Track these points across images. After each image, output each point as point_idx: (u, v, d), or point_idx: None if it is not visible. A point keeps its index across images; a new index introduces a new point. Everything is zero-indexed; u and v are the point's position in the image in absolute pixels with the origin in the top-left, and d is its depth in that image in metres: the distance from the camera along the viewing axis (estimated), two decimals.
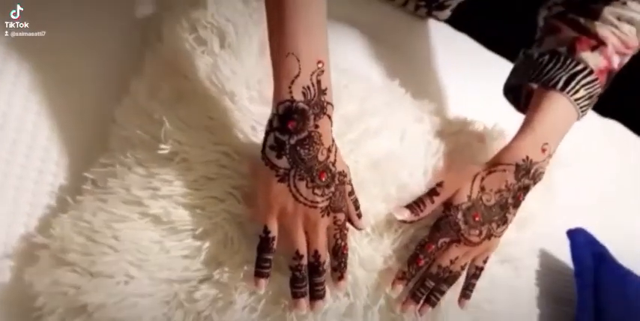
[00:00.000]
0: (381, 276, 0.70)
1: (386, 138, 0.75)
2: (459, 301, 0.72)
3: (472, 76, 0.96)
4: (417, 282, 0.70)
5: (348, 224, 0.65)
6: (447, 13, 1.04)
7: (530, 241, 0.83)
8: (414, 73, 0.91)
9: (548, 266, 0.94)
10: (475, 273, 0.72)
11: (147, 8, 0.80)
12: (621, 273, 0.94)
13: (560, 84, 0.72)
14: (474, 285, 0.73)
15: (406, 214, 0.69)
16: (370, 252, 0.69)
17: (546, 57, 0.75)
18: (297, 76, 0.57)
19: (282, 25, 0.57)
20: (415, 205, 0.70)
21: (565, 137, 0.76)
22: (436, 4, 0.95)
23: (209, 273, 0.63)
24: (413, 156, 0.76)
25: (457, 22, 1.06)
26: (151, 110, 0.65)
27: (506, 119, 0.83)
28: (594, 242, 0.96)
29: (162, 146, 0.63)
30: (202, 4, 0.70)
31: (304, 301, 0.63)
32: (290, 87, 0.57)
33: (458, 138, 0.81)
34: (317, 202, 0.59)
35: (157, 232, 0.63)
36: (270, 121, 0.58)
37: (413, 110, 0.82)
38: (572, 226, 0.95)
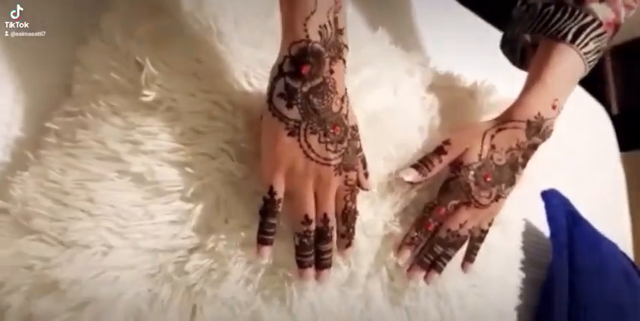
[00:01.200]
0: (383, 242, 0.65)
1: (381, 91, 0.68)
2: (463, 265, 0.67)
3: (450, 30, 0.90)
4: (424, 247, 0.65)
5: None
6: None
7: (515, 204, 0.80)
8: (394, 25, 0.83)
9: (529, 230, 0.92)
10: (480, 236, 0.68)
11: None
12: (592, 232, 0.94)
13: (570, 36, 0.67)
14: (478, 248, 0.68)
15: (413, 175, 0.63)
16: (371, 216, 0.64)
17: (552, 7, 0.70)
18: (314, 12, 0.49)
19: None
20: (422, 165, 0.64)
21: None
22: None
23: (201, 241, 0.55)
24: (407, 111, 0.70)
25: None
26: (127, 50, 0.55)
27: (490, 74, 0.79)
28: (567, 203, 0.95)
29: (146, 92, 0.53)
30: None
31: (311, 271, 0.57)
32: (305, 25, 0.48)
33: (450, 93, 0.76)
34: (330, 159, 0.52)
35: (140, 193, 0.54)
36: (280, 66, 0.50)
37: (403, 62, 0.75)
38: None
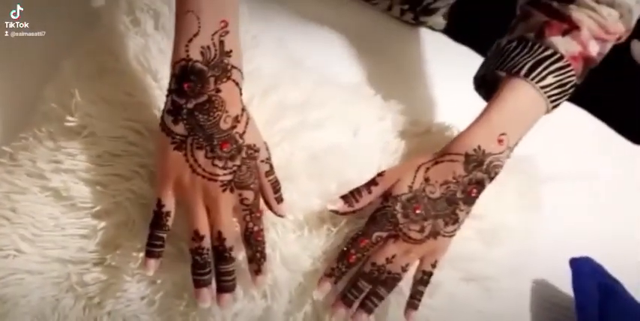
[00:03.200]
0: (307, 278, 0.63)
1: (331, 132, 0.69)
2: (405, 312, 0.62)
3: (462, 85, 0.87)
4: (348, 282, 0.62)
5: (268, 213, 0.60)
6: (440, 20, 0.96)
7: (506, 258, 0.72)
8: (395, 79, 0.84)
9: (540, 294, 0.82)
10: (422, 278, 0.63)
11: None
12: (632, 307, 0.80)
13: (525, 70, 0.63)
14: (421, 293, 0.63)
15: (339, 205, 0.62)
16: (296, 250, 0.63)
17: (513, 44, 0.67)
18: (196, 34, 0.52)
19: None
20: (350, 195, 0.63)
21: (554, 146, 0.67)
22: (421, 8, 0.88)
23: (104, 256, 0.59)
24: (365, 153, 0.69)
25: (460, 33, 0.98)
26: (69, 85, 0.63)
27: None
28: (601, 272, 0.83)
29: (69, 118, 0.60)
30: None
31: (207, 292, 0.56)
32: (187, 46, 0.52)
33: (422, 139, 0.73)
34: (217, 175, 0.54)
35: (57, 208, 0.60)
36: (169, 84, 0.54)
37: (374, 109, 0.75)
38: (567, 247, 0.83)
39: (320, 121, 0.68)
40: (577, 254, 0.81)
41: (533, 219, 0.75)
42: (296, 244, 0.63)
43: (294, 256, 0.62)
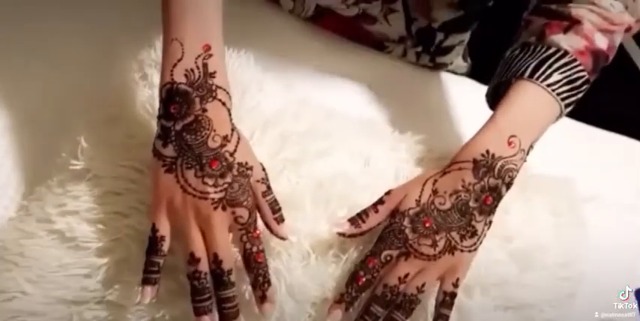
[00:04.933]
0: (317, 309, 0.59)
1: (338, 160, 0.67)
2: None
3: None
4: (361, 308, 0.58)
5: (270, 241, 0.58)
6: (461, 62, 0.95)
7: (546, 284, 0.65)
8: (412, 120, 0.81)
9: None
10: (445, 300, 0.58)
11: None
12: None
13: (528, 71, 0.61)
14: (445, 317, 0.57)
15: (345, 227, 0.59)
16: (302, 279, 0.59)
17: (516, 51, 0.65)
18: (180, 59, 0.54)
19: (168, 10, 0.55)
20: (357, 217, 0.60)
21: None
22: (434, 48, 0.88)
23: (105, 294, 0.58)
24: (377, 179, 0.66)
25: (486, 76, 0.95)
26: (77, 134, 0.66)
27: None
28: None
29: (74, 162, 0.62)
30: (150, 44, 0.73)
31: (208, 320, 0.54)
32: (172, 71, 0.54)
33: (439, 164, 0.70)
34: (207, 193, 0.53)
35: (62, 250, 0.60)
36: (158, 110, 0.55)
37: (387, 140, 0.73)
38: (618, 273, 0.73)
39: (325, 150, 0.67)
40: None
41: (574, 239, 0.68)
42: (302, 273, 0.60)
43: (300, 285, 0.59)
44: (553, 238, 0.67)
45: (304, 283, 0.59)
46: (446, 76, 0.95)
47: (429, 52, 0.89)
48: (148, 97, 0.68)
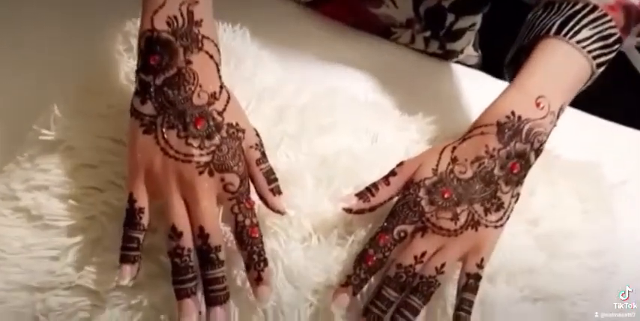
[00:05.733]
0: (320, 297, 0.51)
1: (342, 137, 0.60)
2: None
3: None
4: (372, 292, 0.50)
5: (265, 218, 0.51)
6: (471, 52, 0.89)
7: (578, 274, 0.57)
8: (421, 107, 0.75)
9: None
10: (468, 283, 0.50)
11: None
12: None
13: (554, 29, 0.55)
14: (469, 303, 0.49)
15: (352, 202, 0.52)
16: (303, 263, 0.52)
17: (539, 11, 0.59)
18: (162, 5, 0.47)
19: None
20: (365, 191, 0.53)
21: None
22: (444, 32, 0.81)
23: (75, 278, 0.50)
24: (388, 157, 0.58)
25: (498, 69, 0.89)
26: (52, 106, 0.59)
27: None
28: None
29: (45, 131, 0.55)
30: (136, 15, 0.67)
31: (191, 304, 0.45)
32: (152, 17, 0.47)
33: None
34: (192, 155, 0.46)
35: (28, 229, 0.52)
36: (136, 63, 0.49)
37: (394, 120, 0.67)
38: None
39: (328, 125, 0.60)
40: None
41: (604, 227, 0.61)
42: (303, 256, 0.52)
43: (300, 269, 0.51)
44: (581, 223, 0.60)
45: (305, 267, 0.51)
46: (456, 67, 0.89)
47: (438, 38, 0.83)
48: (132, 68, 0.61)
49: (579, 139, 0.75)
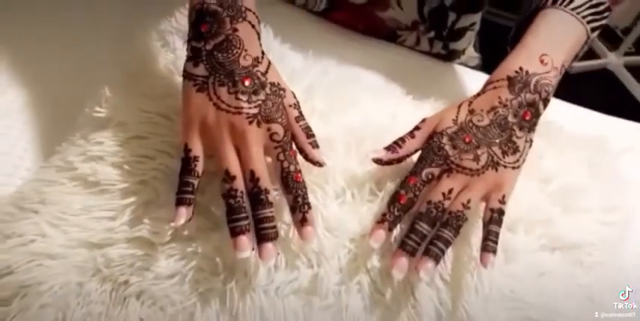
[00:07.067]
0: (357, 244, 0.56)
1: (367, 114, 0.66)
2: (481, 257, 0.53)
3: None
4: (407, 228, 0.55)
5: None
6: (472, 53, 0.96)
7: (593, 227, 0.62)
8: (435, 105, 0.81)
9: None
10: (492, 217, 0.55)
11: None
12: None
13: (550, 0, 0.62)
14: (495, 234, 0.54)
15: (382, 153, 0.57)
16: (339, 215, 0.56)
17: None
18: None
19: None
20: (393, 143, 0.58)
21: None
22: (447, 32, 0.89)
23: (132, 232, 0.54)
24: (408, 128, 0.64)
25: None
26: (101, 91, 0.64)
27: None
28: None
29: (98, 109, 0.61)
30: (170, 14, 0.73)
31: (245, 240, 0.49)
32: None
33: None
34: (241, 108, 0.52)
35: (85, 195, 0.57)
36: (188, 34, 0.55)
37: (408, 105, 0.73)
38: None
39: (353, 102, 0.66)
40: None
41: (613, 186, 0.66)
42: (339, 210, 0.57)
43: (338, 220, 0.56)
44: (590, 182, 0.65)
45: (341, 218, 0.56)
46: (460, 69, 0.95)
47: (441, 38, 0.90)
48: (170, 59, 0.67)
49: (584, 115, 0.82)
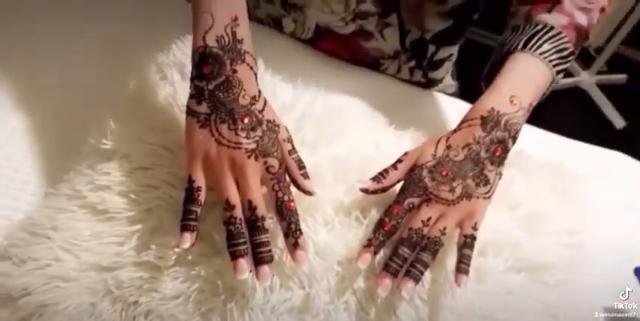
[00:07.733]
0: (344, 267, 0.62)
1: (352, 144, 0.72)
2: (455, 278, 0.59)
3: None
4: (390, 251, 0.61)
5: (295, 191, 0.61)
6: (450, 81, 1.03)
7: (556, 250, 0.69)
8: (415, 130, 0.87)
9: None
10: (466, 242, 0.62)
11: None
12: None
13: (521, 44, 0.69)
14: (468, 257, 0.61)
15: (368, 183, 0.64)
16: (328, 240, 0.62)
17: (507, 33, 0.73)
18: (211, 27, 0.59)
19: None
20: (378, 175, 0.65)
21: None
22: (427, 62, 0.96)
23: (139, 256, 0.60)
24: (390, 159, 0.70)
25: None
26: (105, 123, 0.69)
27: None
28: None
29: (104, 141, 0.66)
30: (167, 48, 0.78)
31: (244, 263, 0.56)
32: (204, 36, 0.59)
33: None
34: (241, 143, 0.57)
35: (93, 221, 0.62)
36: (190, 73, 0.60)
37: (391, 135, 0.79)
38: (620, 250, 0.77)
39: (340, 132, 0.72)
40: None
41: (575, 211, 0.73)
42: (328, 236, 0.63)
43: (327, 245, 0.62)
44: (555, 208, 0.71)
45: (330, 243, 0.62)
46: (438, 96, 1.02)
47: (421, 67, 0.96)
48: (169, 91, 0.73)
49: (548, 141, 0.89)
